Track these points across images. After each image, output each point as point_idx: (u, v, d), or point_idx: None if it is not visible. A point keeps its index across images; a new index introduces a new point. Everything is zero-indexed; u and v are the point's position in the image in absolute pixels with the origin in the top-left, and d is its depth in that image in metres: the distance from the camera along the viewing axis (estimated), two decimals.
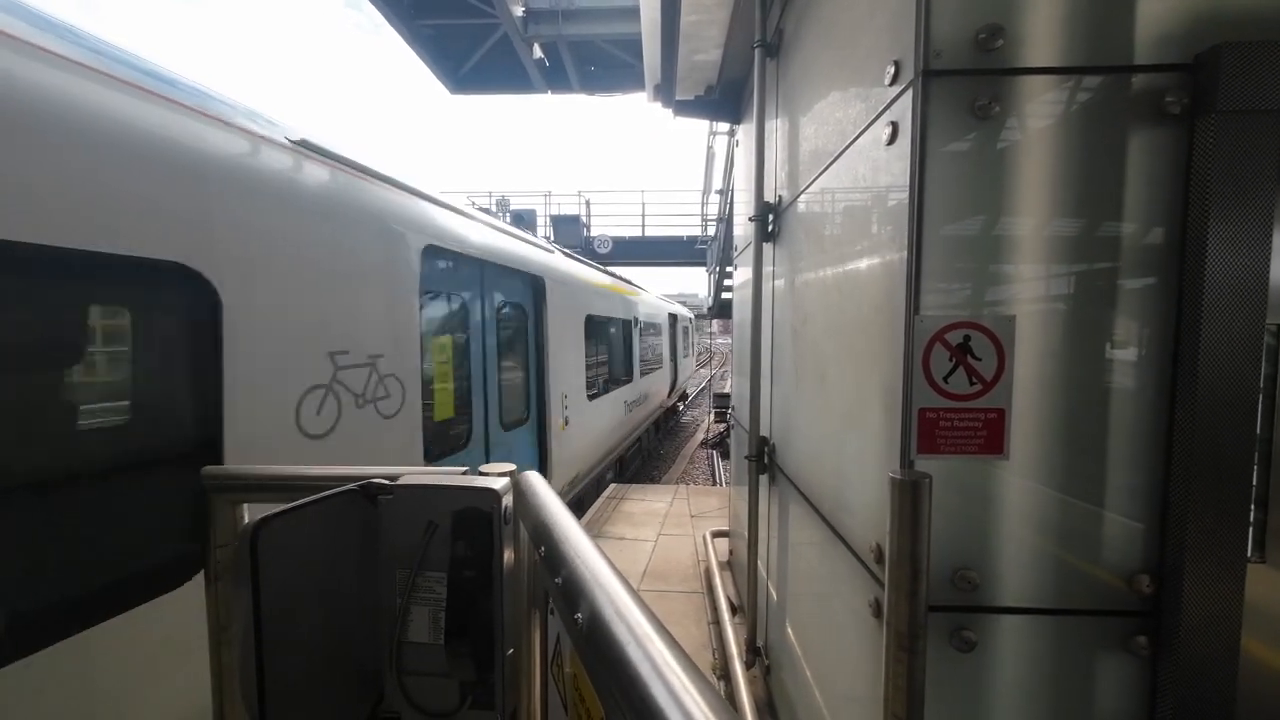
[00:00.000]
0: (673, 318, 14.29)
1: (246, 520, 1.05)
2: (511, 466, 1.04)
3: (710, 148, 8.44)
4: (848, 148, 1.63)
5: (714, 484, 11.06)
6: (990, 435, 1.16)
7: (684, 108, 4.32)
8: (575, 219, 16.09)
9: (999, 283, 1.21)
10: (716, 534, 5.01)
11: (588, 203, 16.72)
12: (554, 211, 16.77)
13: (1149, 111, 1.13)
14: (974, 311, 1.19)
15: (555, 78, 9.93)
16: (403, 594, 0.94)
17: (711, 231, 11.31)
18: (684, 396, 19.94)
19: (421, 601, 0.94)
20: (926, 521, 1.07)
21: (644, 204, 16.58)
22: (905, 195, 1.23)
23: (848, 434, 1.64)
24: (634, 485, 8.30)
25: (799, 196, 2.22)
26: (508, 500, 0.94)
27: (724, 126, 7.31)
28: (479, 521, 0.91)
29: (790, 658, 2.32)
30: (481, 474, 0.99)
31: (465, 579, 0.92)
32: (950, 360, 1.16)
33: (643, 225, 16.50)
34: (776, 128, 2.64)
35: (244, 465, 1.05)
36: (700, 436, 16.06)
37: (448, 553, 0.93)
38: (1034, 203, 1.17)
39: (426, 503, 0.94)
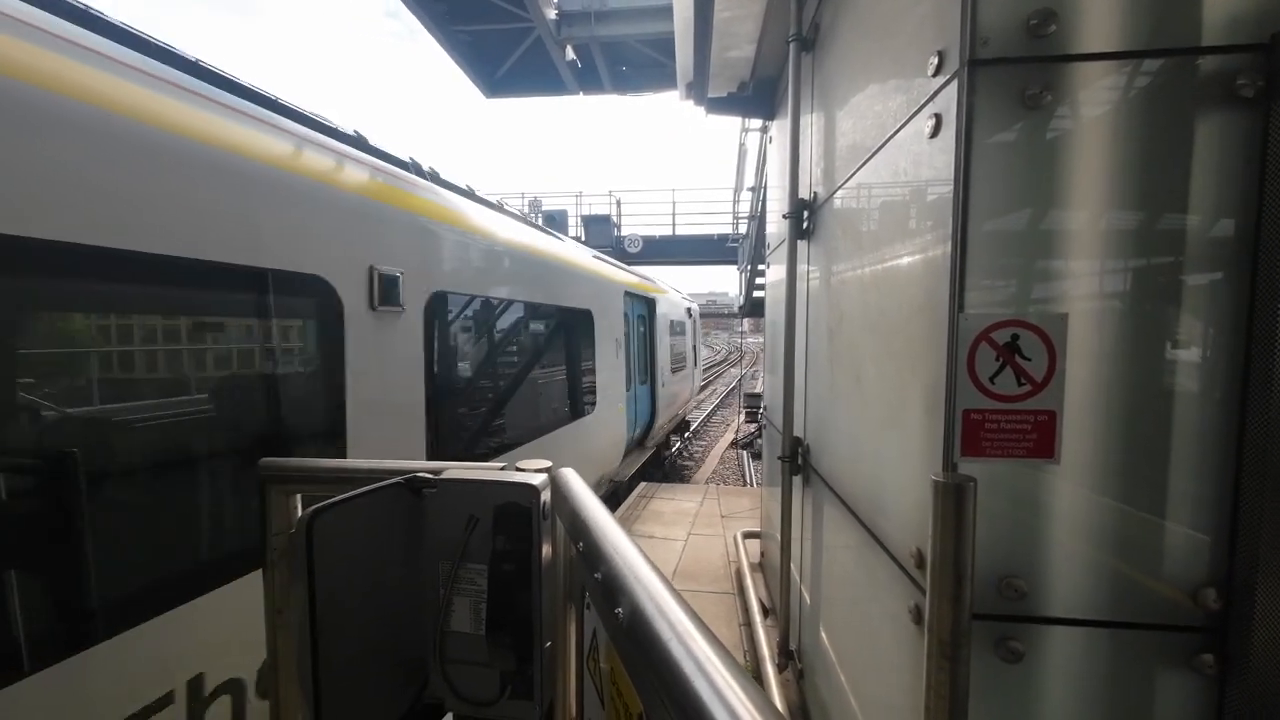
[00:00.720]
0: (688, 312, 12.56)
1: (299, 510, 1.10)
2: (549, 464, 1.05)
3: (742, 144, 8.35)
4: (887, 142, 1.59)
5: (745, 484, 10.96)
6: (1040, 438, 1.11)
7: (716, 105, 4.29)
8: (606, 219, 16.17)
9: (1048, 279, 1.16)
10: (748, 535, 4.96)
11: (618, 202, 16.79)
12: (585, 211, 16.89)
13: (1218, 95, 1.06)
14: (1021, 309, 1.15)
15: (587, 79, 10.00)
16: (445, 585, 0.97)
17: (743, 229, 11.20)
18: (683, 426, 14.16)
19: (463, 592, 0.97)
20: (971, 526, 1.03)
21: (674, 202, 16.55)
22: (949, 189, 1.19)
23: (886, 435, 1.60)
24: (664, 484, 8.30)
25: (835, 192, 2.18)
26: (546, 496, 0.95)
27: (756, 123, 7.23)
28: (518, 516, 0.93)
29: (824, 662, 2.28)
30: (520, 470, 1.01)
31: (505, 572, 0.94)
32: (997, 360, 1.12)
33: (673, 224, 16.47)
34: (812, 123, 2.59)
35: (297, 458, 1.10)
36: (730, 437, 15.91)
37: (489, 546, 0.95)
38: (1088, 195, 1.12)
39: (468, 497, 0.97)
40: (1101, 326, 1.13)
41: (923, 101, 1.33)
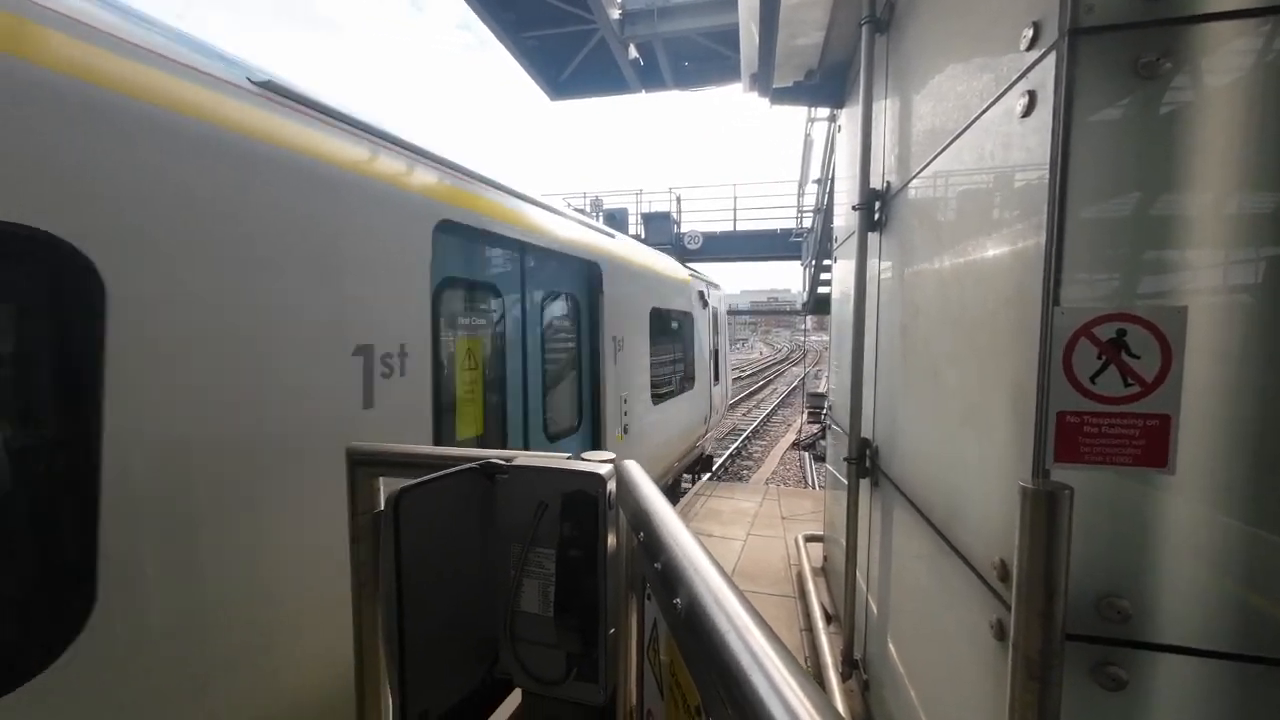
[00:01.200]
0: (700, 297, 7.75)
1: (381, 492, 1.18)
2: (613, 455, 1.07)
3: (808, 135, 8.08)
4: (972, 124, 1.48)
5: (806, 486, 10.64)
6: (1150, 445, 1.00)
7: (782, 95, 4.17)
8: (666, 215, 16.16)
9: (1161, 271, 1.04)
10: (810, 538, 4.81)
11: (678, 199, 16.73)
12: (645, 209, 16.94)
13: None
14: (1125, 304, 1.04)
15: (650, 76, 10.02)
16: (516, 567, 1.01)
17: (808, 223, 10.85)
18: (702, 463, 8.51)
19: (532, 575, 1.01)
20: (1065, 538, 0.95)
21: (735, 197, 16.27)
22: (1043, 173, 1.10)
23: (966, 438, 1.50)
24: (722, 483, 8.21)
25: (911, 181, 2.06)
26: (611, 486, 0.97)
27: (824, 112, 6.97)
28: (585, 504, 0.95)
29: (892, 675, 2.18)
30: (585, 460, 1.03)
31: (571, 558, 0.97)
32: (1099, 358, 1.02)
33: (734, 219, 16.21)
34: (885, 109, 2.47)
35: (379, 443, 1.18)
36: (791, 437, 15.49)
37: (556, 531, 0.98)
38: (1211, 175, 1.00)
39: (538, 483, 1.01)
40: (1226, 322, 1.00)
41: (1013, 78, 1.23)
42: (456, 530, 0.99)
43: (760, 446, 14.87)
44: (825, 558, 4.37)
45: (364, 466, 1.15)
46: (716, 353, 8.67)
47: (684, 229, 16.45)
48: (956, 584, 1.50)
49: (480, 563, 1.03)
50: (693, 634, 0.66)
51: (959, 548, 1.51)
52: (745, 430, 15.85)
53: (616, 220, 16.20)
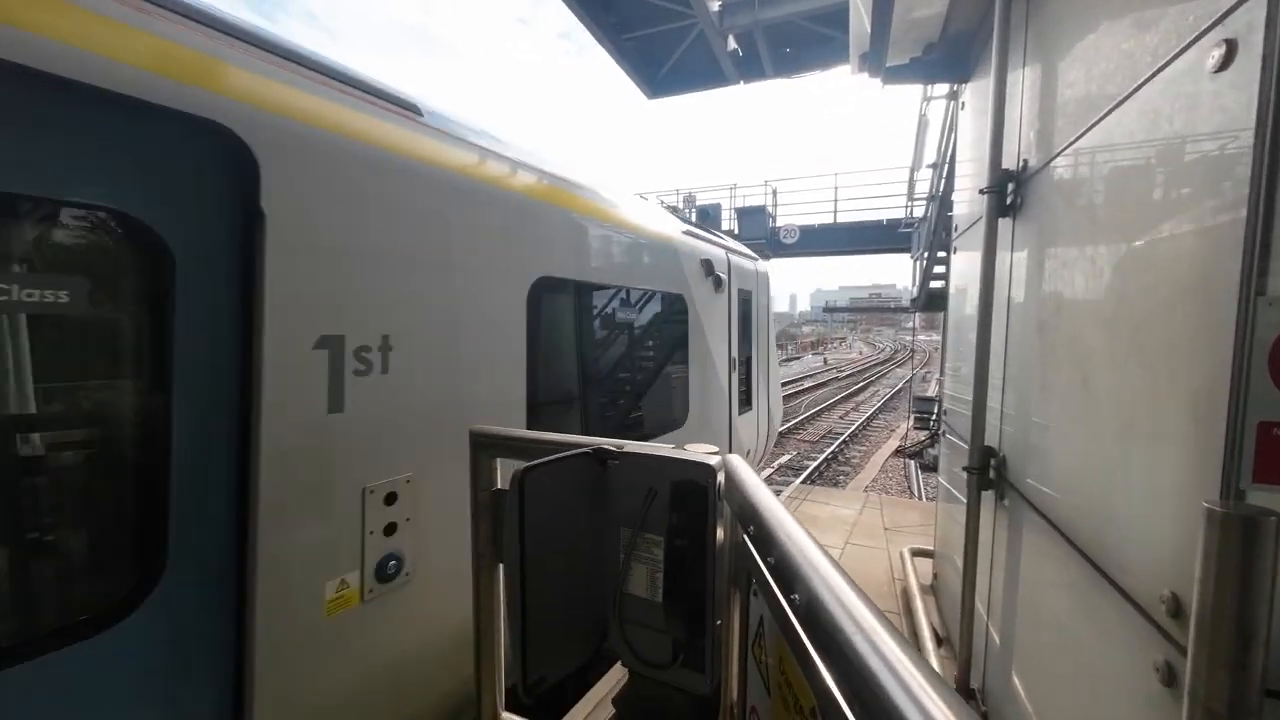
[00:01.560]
0: (715, 271, 4.63)
1: (498, 471, 1.27)
2: (716, 448, 1.06)
3: (923, 116, 7.44)
4: (1142, 86, 1.28)
5: (912, 497, 9.87)
6: None
7: (896, 74, 3.87)
8: (761, 210, 15.73)
9: None
10: (917, 552, 4.46)
11: (774, 191, 16.20)
12: (739, 204, 16.60)
13: None
14: None
15: (748, 66, 9.77)
16: (625, 550, 1.04)
17: (919, 212, 10.03)
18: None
19: (641, 560, 1.03)
20: (1269, 574, 0.79)
21: (836, 187, 15.43)
22: (1245, 137, 0.92)
23: (1126, 450, 1.30)
24: (817, 488, 7.86)
25: (1055, 159, 1.82)
26: (721, 477, 0.97)
27: (942, 89, 6.39)
28: (694, 494, 0.96)
29: (1018, 710, 1.95)
30: (692, 451, 1.04)
31: (679, 547, 0.98)
32: None
33: (834, 211, 15.40)
34: (1022, 79, 2.20)
35: (498, 427, 1.26)
36: (894, 443, 14.43)
37: (665, 519, 1.00)
38: None
39: (648, 471, 1.03)
40: None
41: (1203, 26, 1.04)
42: (570, 511, 1.04)
43: (859, 452, 14.03)
44: (935, 575, 4.03)
45: (484, 448, 1.24)
46: (749, 362, 5.29)
47: (779, 223, 15.91)
48: (1108, 616, 1.31)
49: (590, 544, 1.07)
50: (811, 632, 0.63)
51: (1113, 575, 1.32)
52: (842, 434, 15.04)
53: (710, 217, 16.05)
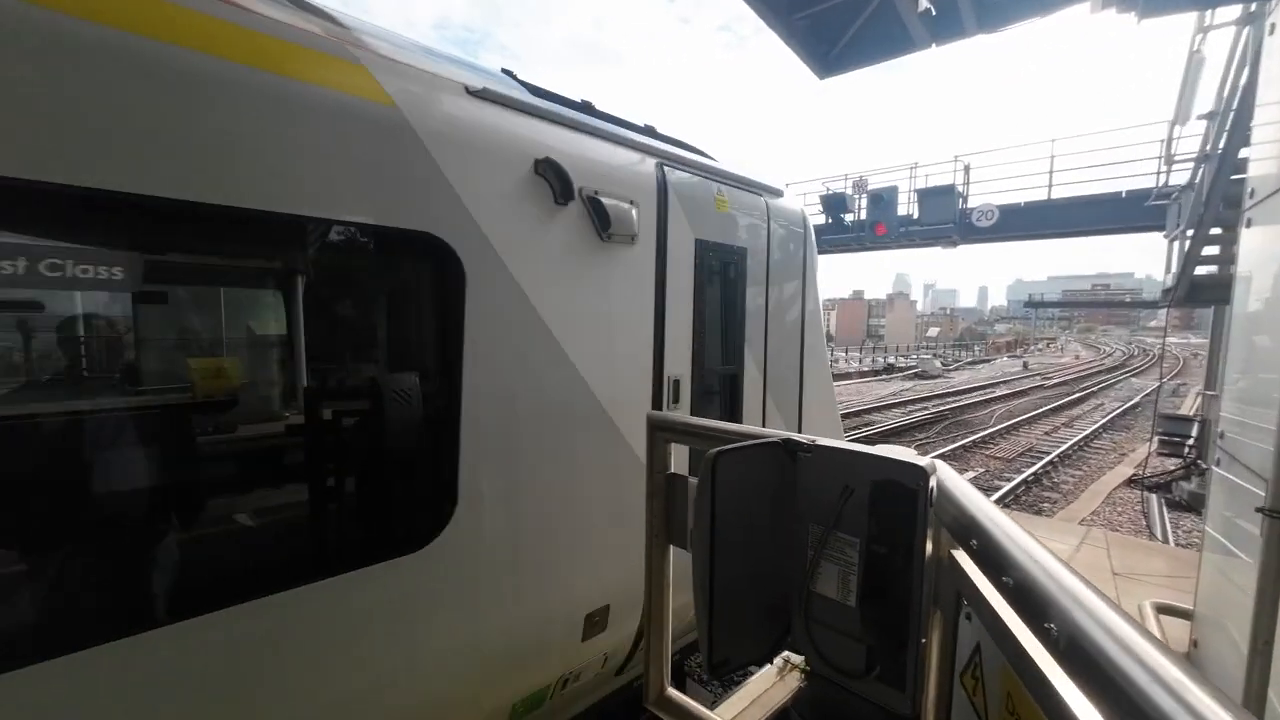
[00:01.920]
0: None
1: (671, 455, 1.30)
2: (914, 452, 0.94)
3: (1194, 52, 5.78)
4: None
5: (1151, 538, 7.87)
6: None
7: (1159, 2, 3.06)
8: (948, 190, 13.82)
9: None
10: (1163, 608, 3.54)
11: (966, 168, 14.10)
12: (921, 185, 14.78)
13: None
14: None
15: (944, 25, 8.55)
16: (815, 547, 0.99)
17: (1180, 179, 7.90)
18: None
19: (832, 559, 0.97)
20: None
21: (1053, 156, 12.86)
22: None
23: None
24: (1012, 511, 6.69)
25: None
26: (934, 482, 0.85)
27: (1229, 13, 4.93)
28: (902, 497, 0.86)
29: None
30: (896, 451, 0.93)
31: (877, 553, 0.89)
32: None
33: (1049, 185, 12.88)
34: None
35: (674, 414, 1.29)
36: (1126, 470, 11.61)
37: (862, 520, 0.92)
38: None
39: (844, 468, 0.95)
40: None
41: None
42: (756, 500, 1.01)
43: (1071, 476, 11.58)
44: (1194, 643, 3.15)
45: (661, 432, 1.27)
46: (736, 380, 3.05)
47: (973, 203, 13.83)
48: None
49: (775, 535, 1.04)
50: (1076, 672, 0.52)
51: None
52: (1048, 454, 12.56)
53: (884, 201, 14.58)
